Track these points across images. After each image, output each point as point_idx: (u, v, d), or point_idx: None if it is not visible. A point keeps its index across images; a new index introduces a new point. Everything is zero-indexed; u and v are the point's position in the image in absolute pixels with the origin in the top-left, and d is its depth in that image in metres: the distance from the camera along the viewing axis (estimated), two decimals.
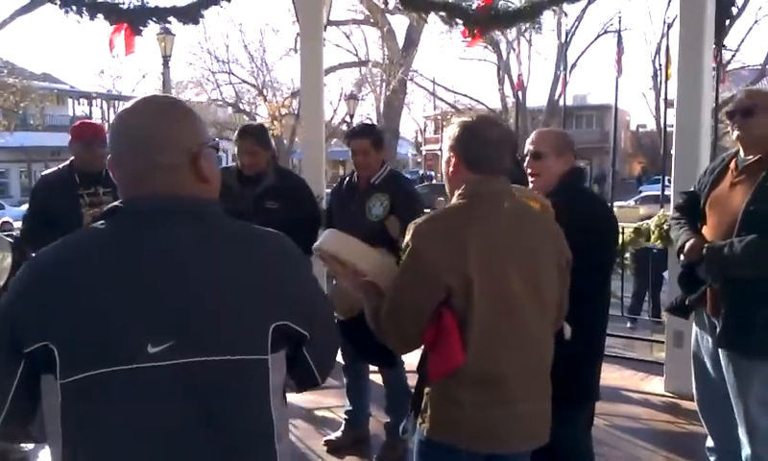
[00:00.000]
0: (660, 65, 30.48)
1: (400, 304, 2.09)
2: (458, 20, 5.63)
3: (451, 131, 2.24)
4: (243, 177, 4.01)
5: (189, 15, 5.98)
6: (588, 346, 2.78)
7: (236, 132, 4.12)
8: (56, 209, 3.78)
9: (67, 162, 4.01)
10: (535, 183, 2.91)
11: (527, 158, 2.94)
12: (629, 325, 8.22)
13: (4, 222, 11.92)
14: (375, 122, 25.99)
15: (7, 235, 4.35)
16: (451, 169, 2.21)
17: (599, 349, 2.95)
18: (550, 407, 2.23)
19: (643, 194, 28.16)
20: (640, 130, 51.05)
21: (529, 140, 3.00)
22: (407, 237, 2.10)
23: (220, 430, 1.33)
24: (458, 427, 2.09)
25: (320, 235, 2.43)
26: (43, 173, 4.23)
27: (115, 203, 1.43)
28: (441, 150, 2.36)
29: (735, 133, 3.13)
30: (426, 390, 2.16)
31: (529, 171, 2.93)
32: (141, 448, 1.30)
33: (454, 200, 2.18)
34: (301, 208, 4.02)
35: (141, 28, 5.96)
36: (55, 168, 4.15)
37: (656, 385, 5.38)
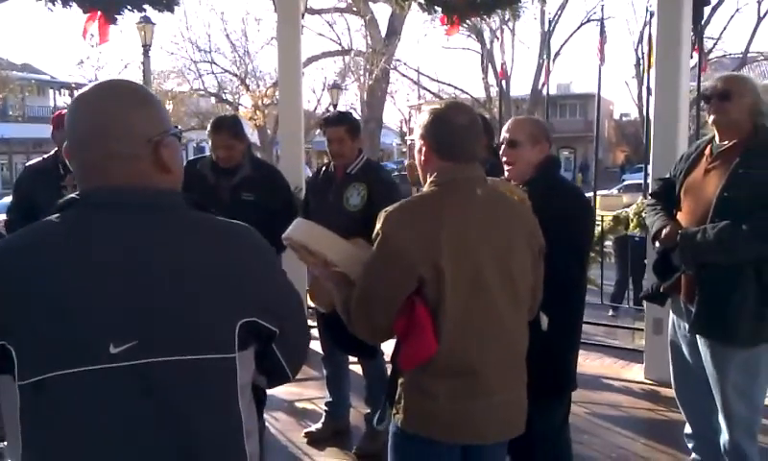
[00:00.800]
0: (643, 54, 30.51)
1: (371, 294, 2.06)
2: (437, 8, 5.59)
3: (421, 118, 2.21)
4: (218, 168, 3.95)
5: (165, 3, 5.89)
6: (565, 335, 2.77)
7: (210, 125, 4.02)
8: (40, 200, 3.70)
9: (51, 153, 3.95)
10: (510, 172, 2.90)
11: (502, 146, 2.92)
12: (611, 313, 8.24)
13: None
14: (359, 112, 25.92)
15: None
16: (423, 157, 2.18)
17: (576, 338, 2.94)
18: (525, 397, 2.22)
19: (626, 183, 28.31)
20: (624, 118, 51.25)
21: (504, 128, 2.99)
22: (378, 225, 2.06)
23: (185, 431, 1.29)
24: (432, 420, 2.07)
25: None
26: (27, 163, 4.18)
27: (72, 194, 1.36)
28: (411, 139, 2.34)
29: (711, 117, 3.12)
30: (400, 381, 2.14)
31: (504, 159, 2.91)
32: (103, 450, 1.25)
33: (426, 188, 2.15)
34: (277, 199, 3.98)
35: (116, 16, 5.85)
36: (39, 158, 4.09)
37: (636, 373, 5.40)
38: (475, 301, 2.03)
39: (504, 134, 2.93)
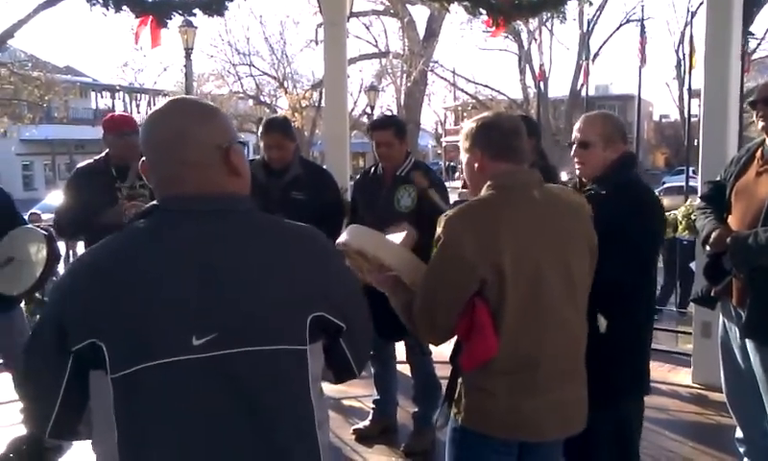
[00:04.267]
0: (684, 55, 30.14)
1: (434, 297, 2.10)
2: (482, 10, 5.62)
3: (467, 130, 2.25)
4: (269, 168, 4.03)
5: (214, 7, 6.02)
6: (625, 339, 2.65)
7: (262, 126, 4.10)
8: (94, 201, 3.81)
9: (103, 154, 4.03)
10: (581, 171, 2.84)
11: (573, 146, 2.84)
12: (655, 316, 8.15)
13: (32, 213, 12.06)
14: (396, 113, 25.98)
15: (39, 227, 4.42)
16: (476, 165, 2.21)
17: (641, 343, 2.81)
18: (586, 395, 2.24)
19: (666, 185, 27.94)
20: (663, 120, 50.55)
21: (576, 127, 2.90)
22: (438, 230, 2.11)
23: (263, 418, 1.38)
24: (492, 416, 2.11)
25: (343, 229, 2.43)
26: (79, 165, 4.24)
27: (153, 202, 1.49)
28: (459, 154, 2.34)
29: (760, 123, 3.11)
30: (460, 380, 2.18)
31: (575, 160, 2.85)
32: (190, 436, 1.35)
33: (483, 191, 2.18)
34: (327, 198, 4.05)
35: (167, 20, 6.00)
36: (90, 160, 4.16)
37: (683, 376, 5.35)
38: (535, 301, 2.06)
39: (575, 134, 2.85)
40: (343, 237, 2.34)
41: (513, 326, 2.04)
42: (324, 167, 5.30)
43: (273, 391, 1.39)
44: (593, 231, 2.27)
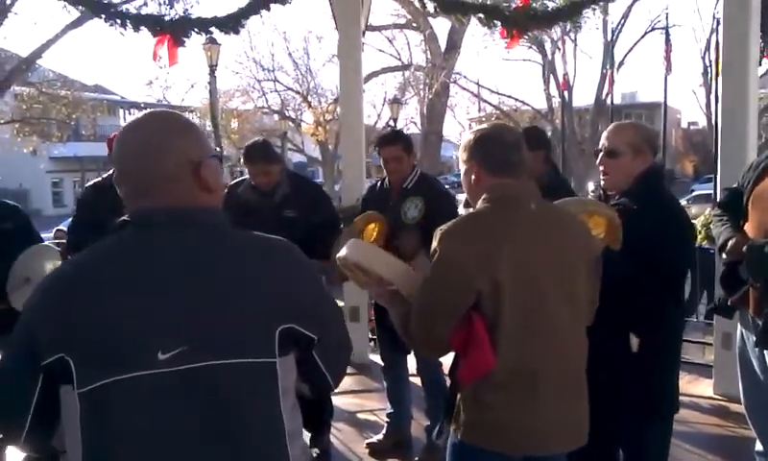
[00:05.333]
0: (711, 62, 29.77)
1: (429, 309, 2.10)
2: (496, 22, 5.61)
3: (466, 142, 2.25)
4: (258, 190, 4.04)
5: (230, 25, 6.08)
6: (657, 357, 2.62)
7: (243, 155, 4.10)
8: (102, 219, 3.83)
9: (110, 172, 4.08)
10: (606, 182, 2.78)
11: (600, 154, 2.78)
12: None
13: (57, 230, 12.25)
14: (419, 125, 26.00)
15: (57, 245, 4.48)
16: (473, 177, 2.21)
17: (672, 360, 2.77)
18: (587, 407, 2.21)
19: (695, 193, 27.57)
20: (692, 127, 49.94)
21: (604, 135, 2.84)
22: (434, 243, 2.10)
23: (231, 432, 1.37)
24: (491, 431, 2.09)
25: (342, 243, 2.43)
26: (88, 184, 4.30)
27: (124, 217, 1.49)
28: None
29: None
30: (458, 395, 2.16)
31: (601, 169, 2.79)
32: (156, 450, 1.35)
33: (479, 204, 2.17)
34: (319, 212, 4.05)
35: (184, 39, 6.07)
36: (99, 178, 4.21)
37: (704, 388, 5.26)
38: (533, 314, 2.05)
39: (603, 142, 2.78)
40: (342, 252, 2.35)
41: (511, 339, 2.02)
42: (341, 181, 5.31)
43: (241, 404, 1.39)
44: (592, 243, 2.25)
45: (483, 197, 2.16)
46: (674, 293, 2.65)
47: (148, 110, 1.59)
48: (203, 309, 1.38)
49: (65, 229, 14.77)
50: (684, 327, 2.87)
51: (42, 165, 34.40)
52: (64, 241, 6.73)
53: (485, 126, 2.29)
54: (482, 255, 2.02)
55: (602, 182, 2.81)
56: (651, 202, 2.63)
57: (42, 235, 4.70)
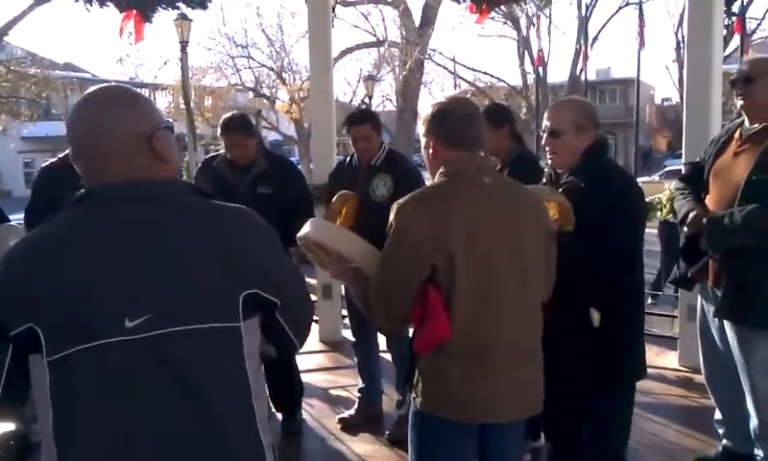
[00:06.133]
0: (683, 37, 29.94)
1: (386, 283, 2.13)
2: None
3: (425, 116, 2.27)
4: (233, 165, 4.03)
5: (198, 1, 6.01)
6: (617, 330, 2.64)
7: (220, 126, 4.07)
8: (60, 198, 3.78)
9: (67, 151, 4.02)
10: (553, 161, 2.80)
11: (544, 135, 2.79)
12: (650, 300, 8.16)
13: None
14: (394, 102, 25.92)
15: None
16: (431, 151, 2.24)
17: (633, 331, 2.79)
18: (541, 377, 2.26)
19: (667, 169, 27.81)
20: (665, 103, 50.31)
21: (546, 114, 2.85)
22: (391, 217, 2.13)
23: (199, 394, 1.42)
24: (447, 400, 2.13)
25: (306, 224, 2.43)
26: (43, 164, 4.22)
27: (81, 191, 1.51)
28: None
29: (739, 102, 3.10)
30: (417, 365, 2.20)
31: (547, 149, 2.80)
32: (127, 417, 1.38)
33: (437, 178, 2.21)
34: (293, 190, 4.06)
35: (151, 15, 5.99)
36: (55, 159, 4.13)
37: (670, 360, 5.35)
38: (486, 285, 2.08)
39: (545, 123, 2.79)
40: (303, 230, 2.36)
41: (465, 310, 2.06)
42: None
43: (207, 367, 1.43)
44: (546, 219, 2.28)
45: (440, 171, 2.20)
46: (628, 265, 2.67)
47: (94, 87, 1.58)
48: (165, 278, 1.42)
49: None
50: (644, 297, 2.89)
51: (13, 145, 33.84)
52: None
53: (443, 100, 2.30)
54: (436, 229, 2.05)
55: (550, 162, 2.83)
56: (596, 177, 2.65)
57: (14, 217, 4.65)
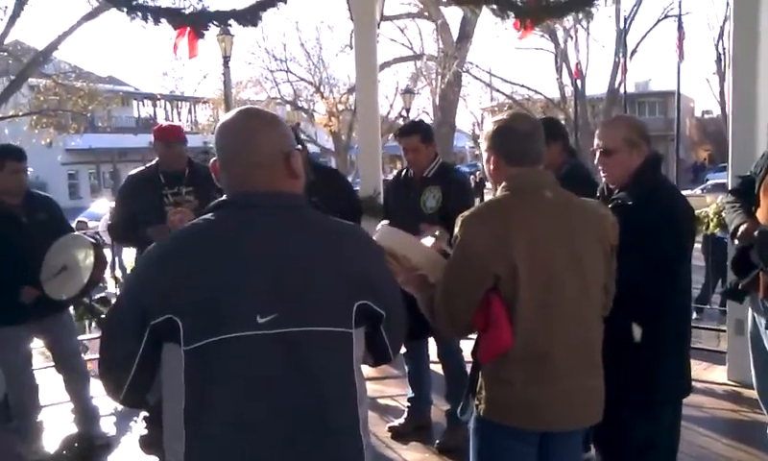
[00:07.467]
0: (724, 50, 29.64)
1: (452, 293, 2.22)
2: (509, 13, 5.66)
3: (487, 132, 2.37)
4: None
5: (249, 18, 6.15)
6: (658, 346, 2.62)
7: None
8: (141, 207, 3.98)
9: (153, 162, 4.20)
10: (607, 178, 2.81)
11: (597, 154, 2.78)
12: (695, 315, 8.08)
13: (79, 221, 12.44)
14: (431, 115, 25.99)
15: (87, 235, 4.62)
16: (492, 166, 2.34)
17: (675, 347, 2.75)
18: (602, 387, 2.30)
19: (710, 182, 27.40)
20: (706, 116, 49.61)
21: (597, 133, 2.84)
22: (455, 230, 2.24)
23: (314, 387, 1.56)
24: (510, 407, 2.20)
25: (376, 229, 2.50)
26: (131, 172, 4.41)
27: (222, 198, 1.68)
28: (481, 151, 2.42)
29: None
30: (480, 372, 2.27)
31: (600, 168, 2.80)
32: (250, 403, 1.53)
33: (498, 192, 2.30)
34: (340, 200, 4.12)
35: (203, 31, 6.16)
36: (142, 167, 4.34)
37: (718, 374, 5.32)
38: (548, 295, 2.16)
39: (596, 141, 2.79)
40: (373, 237, 2.42)
41: (526, 320, 2.14)
42: (357, 171, 5.39)
43: (324, 367, 1.58)
44: (609, 231, 2.32)
45: (502, 185, 2.29)
46: (672, 281, 2.67)
47: (241, 108, 1.78)
48: (292, 282, 1.56)
49: (86, 219, 14.94)
50: (691, 312, 2.85)
51: (59, 157, 34.63)
52: (87, 231, 6.91)
53: (504, 115, 2.39)
54: (498, 241, 2.15)
55: (604, 180, 2.83)
56: (644, 195, 2.64)
57: None
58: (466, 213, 2.25)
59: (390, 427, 4.45)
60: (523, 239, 2.15)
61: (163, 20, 6.21)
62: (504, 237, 2.15)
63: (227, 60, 17.53)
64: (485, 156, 2.38)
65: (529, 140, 2.30)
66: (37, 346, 4.71)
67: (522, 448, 2.25)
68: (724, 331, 6.05)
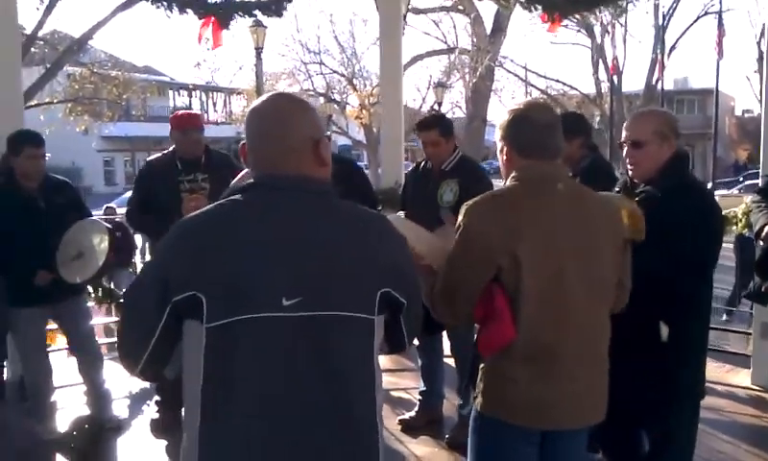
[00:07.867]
0: (766, 48, 28.91)
1: (452, 281, 2.16)
2: (537, 5, 5.58)
3: (502, 121, 2.26)
4: None
5: (273, 8, 6.17)
6: (684, 345, 2.58)
7: None
8: (157, 193, 4.01)
9: (170, 149, 4.23)
10: (634, 172, 2.74)
11: (625, 146, 2.73)
12: (724, 317, 7.92)
13: (107, 207, 12.62)
14: (464, 109, 25.84)
15: (107, 220, 4.66)
16: (504, 157, 2.24)
17: (698, 348, 2.72)
18: (606, 385, 2.23)
19: (746, 183, 26.83)
20: (746, 115, 48.58)
21: (626, 125, 2.78)
22: (459, 217, 2.16)
23: (335, 375, 1.57)
24: (511, 404, 2.13)
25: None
26: (148, 159, 4.47)
27: (249, 180, 1.67)
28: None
29: None
30: (481, 366, 2.21)
31: (627, 160, 2.73)
32: (270, 382, 1.53)
33: (508, 182, 2.21)
34: (356, 191, 4.11)
35: (228, 22, 6.18)
36: (159, 154, 4.37)
37: (742, 378, 5.22)
38: (554, 290, 2.08)
39: (626, 133, 2.72)
40: None
41: (529, 313, 2.06)
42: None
43: (345, 351, 1.59)
44: (621, 227, 2.26)
45: (512, 175, 2.20)
46: (697, 275, 2.61)
47: (273, 92, 1.80)
48: (318, 266, 1.57)
49: (115, 206, 15.16)
50: (710, 311, 2.80)
51: (94, 144, 35.15)
52: (114, 217, 6.97)
53: (521, 105, 2.27)
54: (502, 231, 2.07)
55: (630, 173, 2.76)
56: (673, 189, 2.58)
57: (95, 212, 4.89)
58: (470, 201, 2.18)
59: (400, 420, 4.43)
60: (529, 230, 2.07)
61: (189, 10, 6.26)
62: (508, 227, 2.08)
63: (259, 51, 17.64)
64: (498, 146, 2.28)
65: (544, 132, 2.17)
66: (52, 328, 4.77)
67: (522, 447, 2.18)
68: (750, 334, 5.92)
